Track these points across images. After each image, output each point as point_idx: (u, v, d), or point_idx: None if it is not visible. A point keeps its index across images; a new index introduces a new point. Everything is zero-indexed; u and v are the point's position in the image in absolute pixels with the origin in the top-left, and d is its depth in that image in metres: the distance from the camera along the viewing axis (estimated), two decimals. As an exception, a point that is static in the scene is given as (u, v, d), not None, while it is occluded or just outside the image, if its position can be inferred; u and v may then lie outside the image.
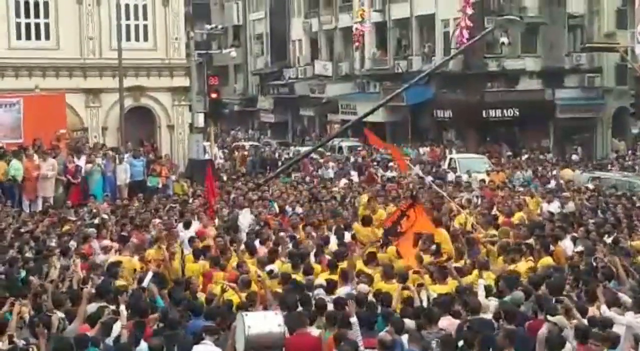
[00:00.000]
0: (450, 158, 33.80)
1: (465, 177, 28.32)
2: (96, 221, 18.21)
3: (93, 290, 11.29)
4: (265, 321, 8.94)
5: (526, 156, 37.40)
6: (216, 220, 18.38)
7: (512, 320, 9.86)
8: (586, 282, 11.56)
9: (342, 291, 11.73)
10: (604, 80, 42.70)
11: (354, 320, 9.84)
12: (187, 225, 17.24)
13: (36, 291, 11.50)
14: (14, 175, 22.30)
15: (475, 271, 12.73)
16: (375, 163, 34.23)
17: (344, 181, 28.25)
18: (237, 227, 17.81)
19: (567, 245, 14.83)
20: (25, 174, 22.40)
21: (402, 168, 23.76)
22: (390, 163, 31.55)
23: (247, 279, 12.07)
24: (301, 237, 16.18)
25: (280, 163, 34.74)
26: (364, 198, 19.89)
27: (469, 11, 38.87)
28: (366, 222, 16.28)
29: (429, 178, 27.29)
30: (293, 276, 12.55)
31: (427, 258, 13.86)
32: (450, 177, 29.12)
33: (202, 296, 11.86)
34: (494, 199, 21.51)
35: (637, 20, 37.09)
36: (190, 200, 22.12)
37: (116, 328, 9.90)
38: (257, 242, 15.37)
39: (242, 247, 15.00)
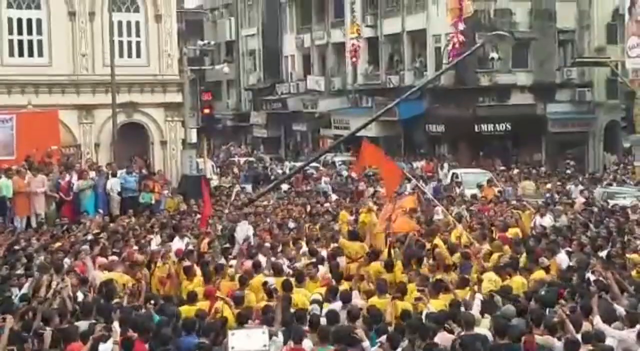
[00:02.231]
0: (453, 173, 33.70)
1: (470, 192, 28.29)
2: (89, 237, 18.20)
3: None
4: (249, 341, 8.92)
5: (516, 171, 37.41)
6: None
7: (503, 335, 9.85)
8: (582, 295, 11.56)
9: (333, 306, 11.73)
10: (595, 94, 42.91)
11: (366, 344, 9.82)
12: (171, 238, 17.26)
13: (27, 308, 11.43)
14: (4, 194, 22.21)
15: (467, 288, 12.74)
16: (366, 178, 34.22)
17: (334, 196, 28.26)
18: (232, 239, 17.84)
19: (562, 259, 14.84)
20: (15, 191, 22.32)
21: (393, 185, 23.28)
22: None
23: (241, 295, 12.04)
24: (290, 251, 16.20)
25: (272, 178, 34.75)
26: (345, 216, 19.83)
27: (461, 26, 39.06)
28: (353, 236, 16.31)
29: (429, 190, 27.44)
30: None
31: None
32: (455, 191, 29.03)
33: (192, 312, 11.75)
34: (487, 213, 21.56)
35: (628, 34, 37.36)
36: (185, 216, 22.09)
37: (109, 345, 9.86)
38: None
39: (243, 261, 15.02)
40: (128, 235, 18.23)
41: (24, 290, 12.88)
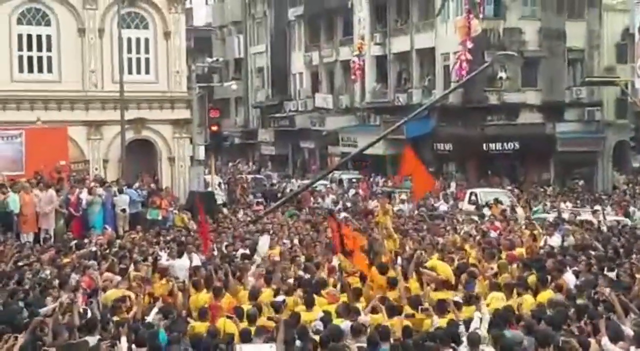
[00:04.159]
0: (471, 193, 33.52)
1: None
2: (93, 248, 18.24)
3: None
4: None
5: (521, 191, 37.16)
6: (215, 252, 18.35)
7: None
8: (590, 316, 11.46)
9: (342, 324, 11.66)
10: (604, 114, 42.85)
11: None
12: (180, 254, 17.24)
13: (35, 325, 11.39)
14: (12, 209, 22.24)
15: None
16: (374, 196, 34.20)
17: (343, 214, 28.18)
18: (254, 251, 17.85)
19: (569, 279, 14.74)
20: (22, 207, 22.34)
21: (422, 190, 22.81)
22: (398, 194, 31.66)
23: (255, 312, 11.97)
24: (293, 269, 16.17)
25: (279, 196, 34.75)
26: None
27: (469, 45, 39.11)
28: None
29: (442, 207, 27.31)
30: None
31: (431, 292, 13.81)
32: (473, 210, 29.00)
33: (202, 328, 11.69)
34: (495, 232, 21.51)
35: (637, 54, 37.41)
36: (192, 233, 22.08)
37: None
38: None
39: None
40: (134, 251, 18.21)
41: (46, 310, 12.77)
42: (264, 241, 19.21)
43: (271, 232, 21.48)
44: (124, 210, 24.19)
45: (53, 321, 11.42)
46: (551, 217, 25.76)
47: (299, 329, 10.92)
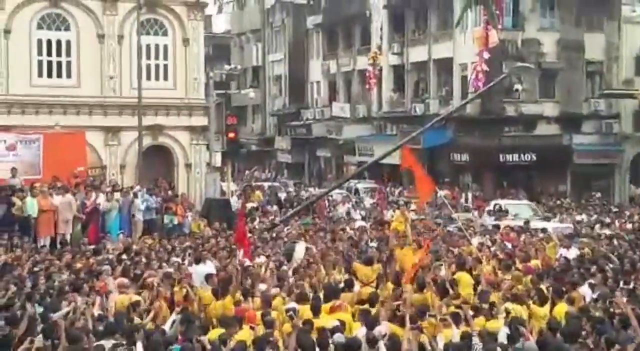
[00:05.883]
0: (495, 204, 33.38)
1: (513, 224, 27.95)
2: (110, 256, 18.30)
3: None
4: None
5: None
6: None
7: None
8: (601, 330, 11.37)
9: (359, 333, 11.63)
10: (622, 126, 42.66)
11: None
12: (197, 261, 17.26)
13: (50, 325, 11.44)
14: (29, 213, 22.36)
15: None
16: (389, 205, 34.12)
17: (359, 223, 28.15)
18: (291, 257, 17.88)
19: (585, 292, 14.66)
20: (39, 211, 22.44)
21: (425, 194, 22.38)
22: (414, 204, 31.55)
23: (272, 320, 11.97)
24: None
25: (295, 204, 34.73)
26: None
27: (486, 56, 39.00)
28: (366, 261, 16.44)
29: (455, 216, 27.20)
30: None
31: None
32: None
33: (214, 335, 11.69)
34: (511, 243, 21.42)
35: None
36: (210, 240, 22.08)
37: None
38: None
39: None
40: (150, 256, 18.26)
41: (60, 314, 12.82)
42: (300, 247, 19.24)
43: (285, 239, 21.54)
44: (133, 216, 24.26)
45: (68, 325, 11.47)
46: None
47: (320, 340, 10.86)
